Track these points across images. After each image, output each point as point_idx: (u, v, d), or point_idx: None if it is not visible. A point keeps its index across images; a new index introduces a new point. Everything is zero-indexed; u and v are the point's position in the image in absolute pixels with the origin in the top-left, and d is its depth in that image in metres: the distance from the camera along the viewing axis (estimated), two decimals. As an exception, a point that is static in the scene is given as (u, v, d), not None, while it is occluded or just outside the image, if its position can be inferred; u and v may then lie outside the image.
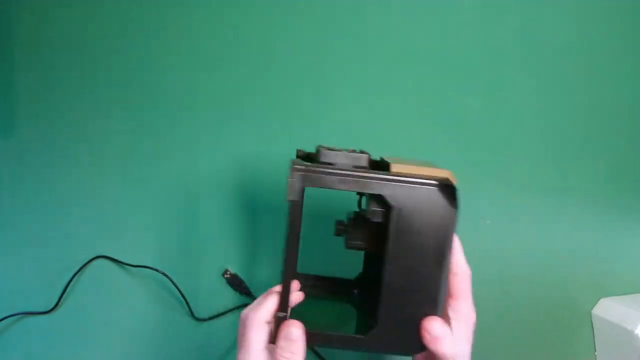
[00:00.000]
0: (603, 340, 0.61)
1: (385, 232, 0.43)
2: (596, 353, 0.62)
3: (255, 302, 0.47)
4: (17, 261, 0.72)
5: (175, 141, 0.68)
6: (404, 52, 0.61)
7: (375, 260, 0.48)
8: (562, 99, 0.59)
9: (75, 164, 0.70)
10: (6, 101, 0.70)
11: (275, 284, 0.48)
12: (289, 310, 0.45)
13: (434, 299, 0.43)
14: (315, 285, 0.55)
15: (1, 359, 0.72)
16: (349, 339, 0.45)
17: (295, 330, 0.42)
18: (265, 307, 0.44)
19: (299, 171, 0.42)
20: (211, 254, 0.68)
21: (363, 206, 0.51)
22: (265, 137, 0.66)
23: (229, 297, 0.67)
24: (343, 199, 0.54)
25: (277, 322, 0.44)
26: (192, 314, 0.66)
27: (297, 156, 0.50)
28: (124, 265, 0.70)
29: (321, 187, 0.42)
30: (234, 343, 0.67)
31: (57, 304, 0.70)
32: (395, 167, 0.43)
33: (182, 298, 0.67)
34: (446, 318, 0.45)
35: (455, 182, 0.45)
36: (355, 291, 0.55)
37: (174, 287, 0.68)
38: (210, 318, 0.66)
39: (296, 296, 0.50)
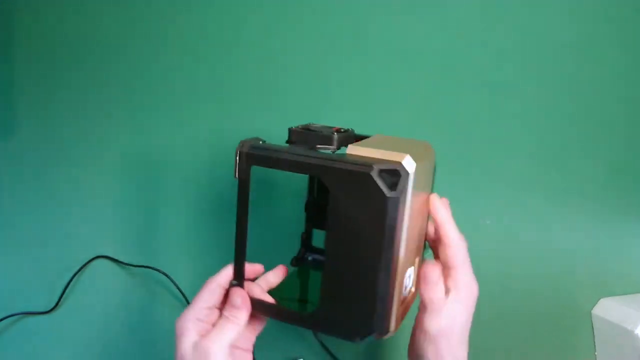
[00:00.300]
0: (603, 340, 0.61)
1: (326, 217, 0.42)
2: (596, 353, 0.62)
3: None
4: (17, 261, 0.72)
5: (177, 141, 0.69)
6: (404, 52, 0.61)
7: None
8: (562, 99, 0.59)
9: (75, 164, 0.70)
10: (6, 101, 0.71)
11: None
12: (244, 282, 0.46)
13: (371, 288, 0.41)
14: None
15: (1, 359, 0.72)
16: (293, 315, 0.45)
17: (236, 298, 0.45)
18: (218, 276, 0.48)
19: (244, 150, 0.43)
20: (211, 254, 0.68)
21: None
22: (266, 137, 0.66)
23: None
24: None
25: (229, 289, 0.47)
26: (192, 314, 0.66)
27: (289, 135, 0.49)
28: (124, 265, 0.70)
29: (267, 168, 0.43)
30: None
31: (57, 304, 0.70)
32: (351, 150, 0.42)
33: (182, 298, 0.68)
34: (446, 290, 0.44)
35: (430, 166, 0.45)
36: None
37: (174, 287, 0.68)
38: (210, 318, 0.66)
39: (274, 277, 0.51)
